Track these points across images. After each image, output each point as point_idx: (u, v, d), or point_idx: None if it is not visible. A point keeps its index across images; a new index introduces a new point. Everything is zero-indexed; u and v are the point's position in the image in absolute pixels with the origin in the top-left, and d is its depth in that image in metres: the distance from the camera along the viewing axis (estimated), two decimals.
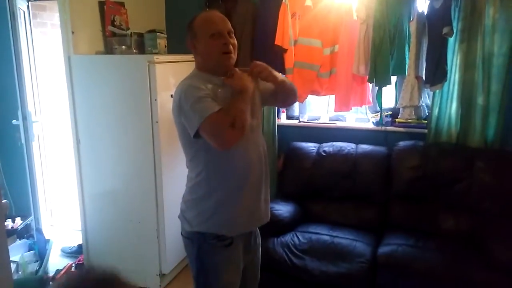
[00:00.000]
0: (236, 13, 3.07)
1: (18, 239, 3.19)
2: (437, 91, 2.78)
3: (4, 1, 3.00)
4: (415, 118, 2.96)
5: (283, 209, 2.72)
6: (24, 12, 3.25)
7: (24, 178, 3.32)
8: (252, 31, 3.13)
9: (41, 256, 2.93)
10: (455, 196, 2.60)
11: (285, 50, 2.98)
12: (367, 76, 2.86)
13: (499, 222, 2.43)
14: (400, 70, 2.82)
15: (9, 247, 2.64)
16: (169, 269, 2.83)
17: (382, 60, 2.76)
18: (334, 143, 3.01)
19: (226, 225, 1.53)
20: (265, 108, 3.19)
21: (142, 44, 2.91)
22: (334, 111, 3.14)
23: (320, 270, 2.33)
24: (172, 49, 3.11)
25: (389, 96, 3.09)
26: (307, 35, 3.01)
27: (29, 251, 3.05)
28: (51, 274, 2.87)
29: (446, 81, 2.71)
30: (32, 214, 3.36)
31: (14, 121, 3.21)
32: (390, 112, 3.11)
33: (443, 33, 2.58)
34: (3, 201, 2.76)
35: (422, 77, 2.81)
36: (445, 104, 2.80)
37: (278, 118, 3.31)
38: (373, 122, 3.14)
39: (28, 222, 3.34)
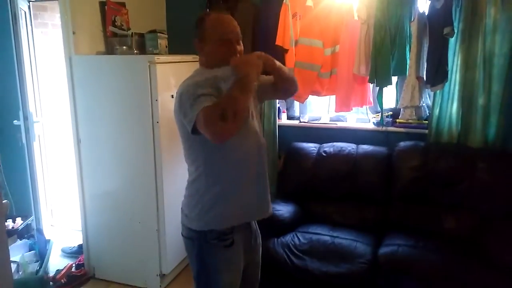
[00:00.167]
0: (237, 13, 3.07)
1: (18, 239, 3.19)
2: (438, 91, 2.78)
3: (5, 2, 3.01)
4: (415, 119, 2.96)
5: (284, 209, 2.72)
6: (25, 12, 3.26)
7: (25, 178, 3.33)
8: (253, 31, 3.14)
9: (42, 256, 2.94)
10: (455, 196, 2.60)
11: (286, 50, 2.98)
12: (368, 77, 2.86)
13: (500, 222, 2.43)
14: (401, 71, 2.82)
15: (10, 247, 2.65)
16: (169, 270, 2.83)
17: (383, 61, 2.76)
18: (334, 143, 3.01)
19: (226, 217, 1.52)
20: (266, 109, 3.19)
21: (143, 45, 2.91)
22: (335, 111, 3.14)
23: (321, 271, 2.33)
24: (173, 49, 3.11)
25: (389, 96, 3.09)
26: (308, 35, 3.02)
27: (29, 251, 3.06)
28: (51, 274, 2.87)
29: (447, 81, 2.70)
30: (33, 214, 3.36)
31: (15, 122, 3.21)
32: (390, 113, 3.11)
33: (444, 33, 2.58)
34: (3, 201, 2.76)
35: (423, 78, 2.81)
36: (446, 105, 2.80)
37: (278, 118, 3.31)
38: (373, 123, 3.14)
39: (29, 222, 3.34)
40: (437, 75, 2.68)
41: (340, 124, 3.24)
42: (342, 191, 2.85)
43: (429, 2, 2.71)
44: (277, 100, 3.26)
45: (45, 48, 3.60)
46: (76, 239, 3.29)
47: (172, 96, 2.69)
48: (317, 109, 3.49)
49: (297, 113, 3.49)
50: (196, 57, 2.92)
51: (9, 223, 3.21)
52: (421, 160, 2.71)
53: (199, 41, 1.56)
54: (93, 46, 2.82)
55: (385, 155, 2.85)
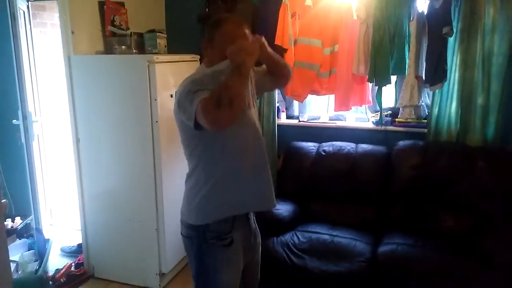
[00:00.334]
0: (236, 13, 3.07)
1: (17, 239, 3.19)
2: (437, 90, 2.78)
3: (4, 1, 3.00)
4: (415, 118, 2.97)
5: (283, 209, 2.72)
6: (24, 12, 3.25)
7: (24, 177, 3.32)
8: (252, 31, 3.13)
9: (41, 256, 2.93)
10: (454, 195, 2.60)
11: (285, 50, 2.97)
12: (367, 76, 2.86)
13: (499, 221, 2.43)
14: (400, 70, 2.82)
15: (9, 247, 2.64)
16: (168, 269, 2.83)
17: (382, 60, 2.76)
18: (334, 142, 3.01)
19: (226, 207, 1.52)
20: (265, 108, 3.20)
21: (142, 44, 2.91)
22: (334, 111, 3.14)
23: (320, 269, 2.33)
24: (172, 49, 3.11)
25: (389, 95, 3.09)
26: (307, 34, 3.02)
27: (28, 250, 3.05)
28: (50, 273, 2.87)
29: (446, 80, 2.71)
30: (32, 213, 3.36)
31: (14, 121, 3.21)
32: (390, 112, 3.11)
33: (443, 32, 2.58)
34: (3, 201, 2.76)
35: (422, 77, 2.81)
36: (445, 104, 2.80)
37: (278, 117, 3.31)
38: (373, 122, 3.14)
39: (28, 221, 3.34)
40: (436, 74, 2.68)
41: (339, 124, 3.24)
42: (342, 190, 2.86)
43: (428, 1, 2.71)
44: (276, 100, 3.27)
45: (44, 48, 3.59)
46: (75, 239, 3.29)
47: (171, 96, 2.69)
48: (316, 109, 3.49)
49: (296, 113, 3.49)
50: (195, 57, 2.95)
51: (8, 223, 3.21)
52: (420, 159, 2.72)
53: (207, 43, 1.54)
54: (92, 45, 2.81)
55: (384, 154, 2.85)
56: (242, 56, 1.36)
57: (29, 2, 3.36)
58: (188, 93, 1.39)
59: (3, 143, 3.38)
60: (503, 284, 2.09)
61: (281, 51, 2.97)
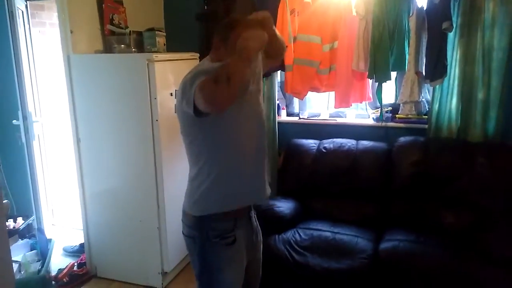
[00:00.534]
0: (235, 10, 3.06)
1: (20, 239, 3.19)
2: (437, 86, 2.78)
3: (2, 1, 2.99)
4: (415, 114, 2.96)
5: (284, 206, 2.72)
6: (22, 11, 3.24)
7: (25, 178, 3.32)
8: None
9: (43, 256, 2.94)
10: (456, 191, 2.60)
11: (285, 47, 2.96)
12: (367, 72, 2.86)
13: (500, 217, 2.43)
14: (400, 66, 2.82)
15: (11, 247, 2.65)
16: (171, 267, 2.84)
17: (381, 56, 2.76)
18: (334, 139, 3.01)
19: (229, 198, 1.52)
20: (265, 106, 3.19)
21: (141, 43, 2.90)
22: (334, 108, 3.13)
23: (322, 267, 2.34)
24: (171, 47, 3.10)
25: (389, 91, 3.09)
26: (306, 31, 3.01)
27: (31, 250, 3.06)
28: (53, 273, 2.88)
29: (446, 76, 2.70)
30: (34, 213, 3.36)
31: (14, 121, 3.21)
32: (390, 108, 3.11)
33: (442, 28, 2.57)
34: (4, 201, 2.76)
35: (422, 73, 2.81)
36: (445, 99, 2.80)
37: (278, 115, 3.32)
38: (373, 118, 3.14)
39: (30, 221, 3.34)
40: (436, 70, 2.68)
41: (339, 120, 3.24)
42: (342, 187, 2.86)
43: None
44: (276, 97, 3.26)
45: (43, 47, 3.59)
46: (77, 238, 3.30)
47: (171, 94, 2.69)
48: (317, 106, 3.48)
49: (296, 110, 3.49)
50: (194, 55, 2.95)
51: (10, 223, 3.21)
52: (421, 155, 2.71)
53: (221, 42, 1.52)
54: (91, 44, 2.81)
55: (385, 151, 2.85)
56: (246, 42, 1.34)
57: (28, 1, 3.34)
58: (191, 79, 1.39)
59: (4, 143, 3.38)
60: (504, 280, 2.09)
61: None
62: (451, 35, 2.68)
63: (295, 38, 3.02)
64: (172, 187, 2.71)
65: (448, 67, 2.69)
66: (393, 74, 2.89)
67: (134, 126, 2.64)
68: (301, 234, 2.54)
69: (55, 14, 2.92)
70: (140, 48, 2.88)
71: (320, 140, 3.05)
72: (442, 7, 2.57)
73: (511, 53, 2.58)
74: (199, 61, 1.71)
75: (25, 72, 3.17)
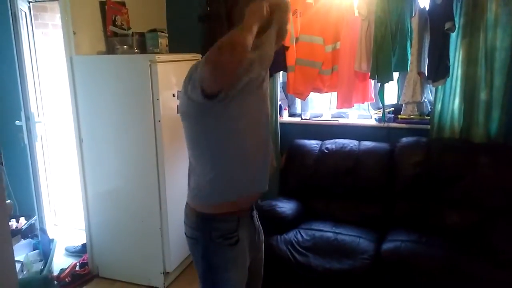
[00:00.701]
0: (237, 11, 3.06)
1: (22, 239, 3.20)
2: (440, 86, 2.77)
3: (5, 3, 3.00)
4: (417, 114, 2.96)
5: (286, 207, 2.72)
6: (25, 13, 3.26)
7: (28, 178, 3.34)
8: None
9: (46, 256, 2.95)
10: (458, 191, 2.60)
11: (287, 48, 2.97)
12: (369, 73, 2.86)
13: (504, 217, 2.43)
14: (402, 66, 2.81)
15: (14, 247, 2.65)
16: (173, 267, 2.84)
17: (384, 57, 2.76)
18: (336, 140, 3.01)
19: (231, 191, 1.50)
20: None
21: (143, 44, 2.91)
22: (337, 108, 3.13)
23: (324, 267, 2.33)
24: (173, 48, 3.11)
25: (391, 92, 3.08)
26: (309, 32, 3.01)
27: (33, 250, 3.07)
28: (55, 273, 2.88)
29: (448, 76, 2.70)
30: (36, 214, 3.37)
31: (17, 122, 3.22)
32: (392, 109, 3.10)
33: (445, 28, 2.57)
34: (7, 201, 2.77)
35: (425, 73, 2.80)
36: (447, 100, 2.79)
37: (280, 115, 3.31)
38: (375, 119, 3.14)
39: (32, 221, 3.35)
40: (438, 70, 2.67)
41: (341, 121, 3.24)
42: (344, 188, 2.85)
43: None
44: (279, 98, 3.27)
45: (46, 49, 3.60)
46: (79, 238, 3.30)
47: (174, 95, 2.69)
48: (319, 106, 3.48)
49: (298, 110, 3.49)
50: (196, 56, 2.95)
51: (13, 223, 3.22)
52: (423, 156, 2.71)
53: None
54: (94, 46, 2.82)
55: (387, 151, 2.85)
56: (247, 15, 1.36)
57: (31, 3, 3.36)
58: (196, 65, 1.37)
59: (6, 144, 3.39)
60: (508, 281, 2.08)
61: (283, 49, 2.97)
62: (453, 35, 2.67)
63: (297, 39, 3.03)
64: (174, 187, 2.71)
65: (451, 67, 2.69)
66: (396, 75, 2.88)
67: (136, 126, 2.65)
68: (303, 234, 2.54)
69: (58, 16, 2.93)
70: (143, 49, 2.89)
71: (322, 141, 3.05)
72: (445, 7, 2.57)
73: None
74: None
75: (27, 73, 3.18)
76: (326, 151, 2.95)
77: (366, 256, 2.34)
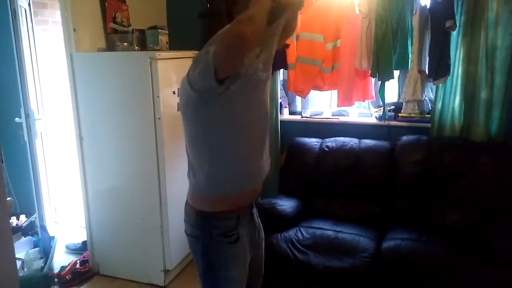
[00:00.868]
0: (237, 8, 3.06)
1: (22, 236, 3.21)
2: (440, 85, 2.77)
3: None
4: (418, 112, 2.96)
5: (286, 205, 2.72)
6: (25, 10, 3.25)
7: (28, 175, 3.34)
8: None
9: (46, 253, 2.95)
10: (459, 190, 2.60)
11: (287, 45, 2.97)
12: (370, 71, 2.85)
13: (504, 216, 2.43)
14: (402, 65, 2.81)
15: (14, 244, 2.65)
16: (173, 265, 2.84)
17: (384, 55, 2.75)
18: (337, 138, 3.01)
19: (230, 185, 1.50)
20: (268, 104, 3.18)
21: (143, 41, 2.90)
22: (337, 106, 3.13)
23: (324, 265, 2.34)
24: (173, 45, 3.10)
25: (392, 90, 3.08)
26: (309, 30, 3.01)
27: (34, 248, 3.07)
28: (56, 271, 2.89)
29: (449, 75, 2.70)
30: (36, 211, 3.38)
31: (17, 119, 3.21)
32: (393, 107, 3.10)
33: (446, 26, 2.57)
34: (7, 199, 2.77)
35: (425, 71, 2.80)
36: (448, 98, 2.79)
37: (280, 113, 3.31)
38: (376, 117, 3.13)
39: (33, 219, 3.35)
40: (439, 68, 2.67)
41: (342, 119, 3.23)
42: (345, 186, 2.85)
43: None
44: (279, 95, 3.26)
45: (46, 46, 3.59)
46: (80, 236, 3.30)
47: (174, 92, 2.69)
48: (319, 104, 3.48)
49: (299, 108, 3.49)
50: (197, 53, 2.94)
51: (13, 220, 3.22)
52: (424, 154, 2.71)
53: None
54: (94, 43, 2.81)
55: (388, 150, 2.85)
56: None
57: None
58: (204, 51, 1.36)
59: (6, 141, 3.38)
60: (507, 279, 2.09)
61: (283, 46, 2.96)
62: (454, 33, 2.67)
63: (298, 37, 3.02)
64: (175, 185, 2.71)
65: (451, 66, 2.68)
66: (396, 73, 2.88)
67: (136, 124, 2.65)
68: (303, 232, 2.54)
69: (58, 12, 2.92)
70: (143, 46, 2.88)
71: (323, 139, 3.05)
72: (446, 5, 2.57)
73: None
74: None
75: (27, 70, 3.17)
76: (326, 149, 2.95)
77: (367, 255, 2.34)
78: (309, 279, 2.39)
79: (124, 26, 2.92)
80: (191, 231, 1.58)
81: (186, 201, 1.62)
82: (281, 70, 3.26)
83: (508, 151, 2.61)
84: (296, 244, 2.46)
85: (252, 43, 1.29)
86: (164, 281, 2.81)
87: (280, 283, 2.47)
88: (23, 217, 3.32)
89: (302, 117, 3.33)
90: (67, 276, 2.84)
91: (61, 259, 3.10)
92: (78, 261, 2.99)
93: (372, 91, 3.07)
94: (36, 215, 3.37)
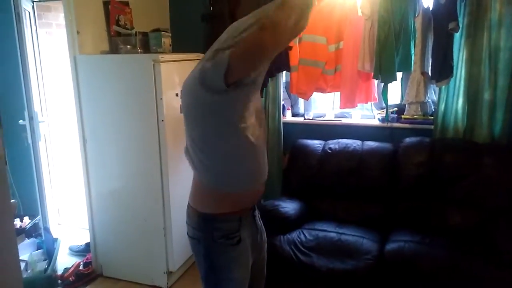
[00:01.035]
0: (240, 11, 3.06)
1: (26, 238, 3.22)
2: (443, 86, 2.77)
3: (9, 2, 3.01)
4: (421, 114, 2.95)
5: (289, 207, 2.72)
6: (29, 12, 3.27)
7: (32, 177, 3.35)
8: None
9: (49, 255, 2.96)
10: (462, 192, 2.59)
11: (290, 48, 2.97)
12: (373, 73, 2.85)
13: (507, 218, 2.42)
14: (405, 66, 2.81)
15: (18, 246, 2.67)
16: (176, 267, 2.84)
17: (387, 57, 2.75)
18: (339, 140, 3.00)
19: (234, 182, 1.50)
20: (271, 106, 3.19)
21: (147, 43, 2.91)
22: (340, 108, 3.13)
23: (327, 267, 2.33)
24: (177, 47, 3.11)
25: (394, 92, 3.08)
26: (312, 32, 3.01)
27: (37, 249, 3.08)
28: (59, 272, 2.90)
29: (452, 76, 2.69)
30: (40, 213, 3.39)
31: (20, 121, 3.23)
32: (396, 109, 3.10)
33: (449, 28, 2.56)
34: (11, 201, 2.78)
35: (428, 73, 2.80)
36: (451, 100, 2.79)
37: (283, 115, 3.31)
38: (378, 119, 3.13)
39: (36, 221, 3.36)
40: (442, 70, 2.66)
41: (345, 121, 3.23)
42: (348, 188, 2.85)
43: None
44: (282, 98, 3.26)
45: (50, 48, 3.61)
46: (83, 238, 3.31)
47: (177, 95, 2.70)
48: (322, 106, 3.48)
49: (301, 110, 3.49)
50: (200, 55, 2.95)
51: (17, 222, 3.24)
52: (427, 156, 2.70)
53: None
54: (97, 45, 2.83)
55: (391, 151, 2.84)
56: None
57: (34, 2, 3.37)
58: (220, 47, 1.34)
59: (10, 143, 3.39)
60: (511, 281, 2.07)
61: (286, 48, 2.96)
62: (457, 35, 2.66)
63: (300, 39, 3.02)
64: (178, 187, 2.72)
65: (454, 67, 2.68)
66: (399, 75, 2.88)
67: (140, 126, 2.65)
68: (306, 234, 2.54)
69: (62, 15, 2.94)
70: (146, 49, 2.89)
71: (326, 141, 3.05)
72: (448, 7, 2.56)
73: None
74: None
75: (31, 73, 3.19)
76: (329, 151, 2.95)
77: (370, 257, 2.34)
78: (312, 281, 2.39)
79: (127, 29, 2.94)
80: (193, 233, 1.58)
81: (188, 203, 1.62)
82: (284, 72, 3.27)
83: None
84: (299, 246, 2.46)
85: (271, 53, 1.28)
86: (167, 283, 2.81)
87: (283, 285, 2.47)
88: (26, 219, 3.33)
89: (305, 119, 3.33)
90: (70, 278, 2.84)
91: (65, 261, 3.10)
92: (81, 263, 3.00)
93: (375, 93, 3.06)
94: (39, 217, 3.38)
